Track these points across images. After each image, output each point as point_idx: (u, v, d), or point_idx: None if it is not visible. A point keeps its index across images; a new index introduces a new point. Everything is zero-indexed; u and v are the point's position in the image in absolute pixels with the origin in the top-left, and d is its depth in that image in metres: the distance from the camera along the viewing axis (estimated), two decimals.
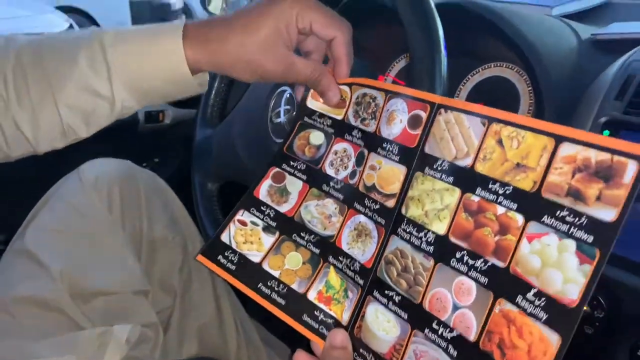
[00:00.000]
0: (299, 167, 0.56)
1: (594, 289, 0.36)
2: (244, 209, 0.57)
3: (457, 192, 0.44)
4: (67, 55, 0.51)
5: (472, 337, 0.41)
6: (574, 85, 0.67)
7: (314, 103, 0.57)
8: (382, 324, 0.46)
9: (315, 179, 0.55)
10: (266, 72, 0.51)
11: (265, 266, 0.53)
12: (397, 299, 0.45)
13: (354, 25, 0.98)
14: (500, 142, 0.43)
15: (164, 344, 0.74)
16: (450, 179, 0.45)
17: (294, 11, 0.50)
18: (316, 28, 0.52)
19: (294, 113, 0.64)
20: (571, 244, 0.38)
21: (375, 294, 0.47)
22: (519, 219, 0.40)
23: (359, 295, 0.48)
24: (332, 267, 0.51)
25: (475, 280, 0.41)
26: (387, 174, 0.50)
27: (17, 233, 0.72)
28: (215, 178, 0.77)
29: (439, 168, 0.46)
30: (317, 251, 0.52)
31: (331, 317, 0.49)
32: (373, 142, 0.52)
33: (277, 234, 0.54)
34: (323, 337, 0.48)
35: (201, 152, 0.79)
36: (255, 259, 0.54)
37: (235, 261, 0.54)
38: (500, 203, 0.42)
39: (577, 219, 0.38)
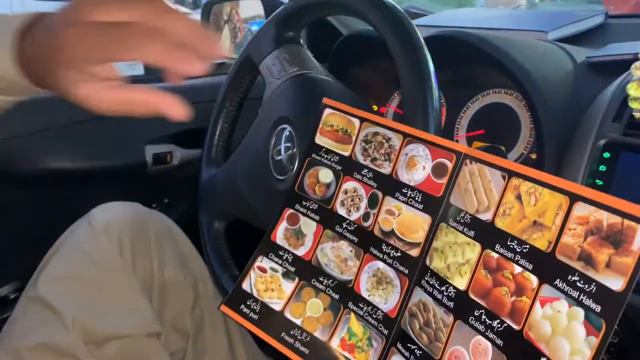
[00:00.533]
0: (311, 207, 0.57)
1: None
2: (262, 255, 0.57)
3: (478, 247, 0.45)
4: None
5: None
6: (572, 108, 0.68)
7: (322, 139, 0.58)
8: None
9: (328, 219, 0.55)
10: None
11: (287, 314, 0.53)
12: (418, 353, 0.46)
13: (351, 61, 1.00)
14: (519, 197, 0.43)
15: None
16: (472, 232, 0.45)
17: None
18: None
19: (295, 150, 0.65)
20: (580, 313, 0.38)
21: (399, 345, 0.47)
22: (534, 280, 0.41)
23: (383, 345, 0.48)
24: (352, 314, 0.51)
25: (492, 341, 0.42)
26: (409, 221, 0.50)
27: (30, 281, 0.73)
28: (222, 217, 0.78)
29: (462, 220, 0.46)
30: (336, 297, 0.52)
31: None
32: (389, 185, 0.52)
33: (297, 279, 0.55)
34: None
35: (207, 191, 0.80)
36: (277, 307, 0.54)
37: (257, 310, 0.54)
38: (517, 262, 0.42)
39: (587, 285, 0.38)
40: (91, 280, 0.72)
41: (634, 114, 0.37)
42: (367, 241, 0.52)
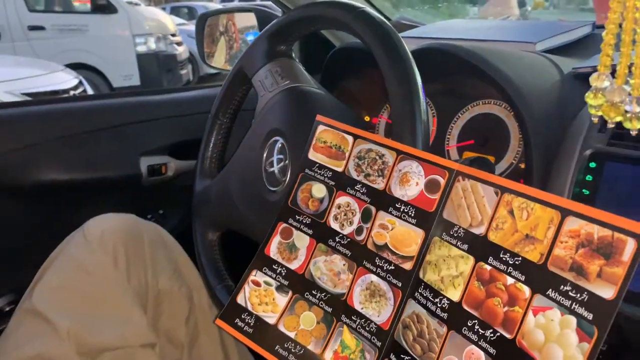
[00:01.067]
0: (304, 222, 0.57)
1: None
2: (256, 269, 0.58)
3: (471, 260, 0.46)
4: None
5: None
6: (559, 119, 0.69)
7: (315, 155, 0.59)
8: None
9: (321, 233, 0.56)
10: None
11: (281, 327, 0.54)
12: None
13: (343, 73, 1.01)
14: (511, 212, 0.45)
15: None
16: (465, 246, 0.46)
17: None
18: None
19: (287, 162, 0.66)
20: (572, 321, 0.39)
21: (392, 357, 0.48)
22: (526, 290, 0.42)
23: (376, 356, 0.49)
24: (345, 327, 0.52)
25: (485, 350, 0.42)
26: (402, 235, 0.51)
27: (25, 293, 0.73)
28: (215, 227, 0.78)
29: (455, 234, 0.47)
30: (329, 310, 0.53)
31: None
32: (382, 200, 0.53)
33: (290, 293, 0.55)
34: None
35: (201, 202, 0.81)
36: (271, 320, 0.55)
37: (252, 324, 0.55)
38: (509, 274, 0.43)
39: (579, 294, 0.39)
40: (86, 292, 0.73)
41: (592, 119, 0.39)
42: (360, 255, 0.53)
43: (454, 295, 0.45)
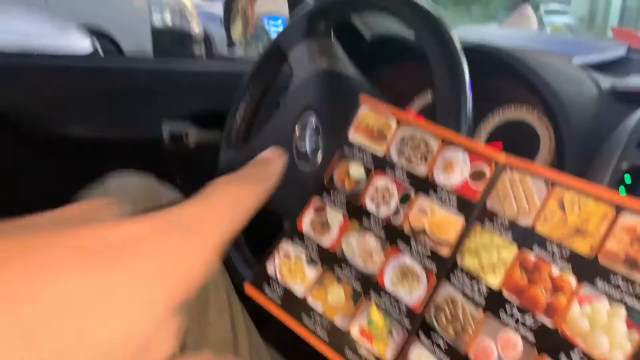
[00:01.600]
0: (339, 200, 0.57)
1: None
2: (288, 240, 0.58)
3: (515, 248, 0.45)
4: None
5: None
6: (595, 133, 0.69)
7: (355, 136, 0.59)
8: None
9: (356, 213, 0.55)
10: None
11: (310, 300, 0.54)
12: (443, 346, 0.46)
13: (378, 62, 1.01)
14: (562, 206, 0.44)
15: None
16: (509, 235, 0.46)
17: None
18: None
19: (320, 141, 0.65)
20: (622, 311, 0.39)
21: (422, 338, 0.48)
22: (573, 281, 0.41)
23: (404, 336, 0.49)
24: (374, 305, 0.51)
25: (522, 336, 0.42)
26: (441, 221, 0.50)
27: None
28: None
29: (499, 224, 0.47)
30: (358, 287, 0.53)
31: (374, 353, 0.49)
32: (424, 186, 0.52)
33: (320, 268, 0.55)
34: None
35: (225, 173, 0.80)
36: (300, 293, 0.54)
37: (280, 294, 0.55)
38: (556, 264, 0.43)
39: (630, 286, 0.39)
40: None
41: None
42: (395, 237, 0.52)
43: (494, 281, 0.45)
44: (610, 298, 0.39)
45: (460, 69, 0.56)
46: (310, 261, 0.56)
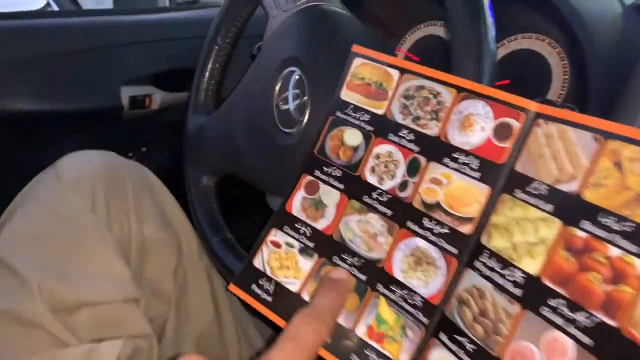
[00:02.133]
0: (334, 174, 0.47)
1: None
2: (276, 228, 0.49)
3: (557, 224, 0.36)
4: None
5: None
6: (621, 58, 0.59)
7: (349, 94, 0.48)
8: None
9: (354, 188, 0.46)
10: None
11: (305, 296, 0.45)
12: (470, 347, 0.37)
13: None
14: (618, 164, 0.35)
15: (158, 355, 0.67)
16: (549, 206, 0.37)
17: None
18: None
19: (305, 97, 0.55)
20: None
21: (442, 337, 0.39)
22: (639, 265, 0.32)
23: (422, 335, 0.40)
24: (382, 298, 0.43)
25: (575, 338, 0.34)
26: (460, 192, 0.41)
27: None
28: (212, 172, 0.68)
29: (535, 192, 0.37)
30: (363, 277, 0.44)
31: (385, 357, 0.41)
32: (436, 149, 0.43)
33: (316, 256, 0.46)
34: None
35: (194, 142, 0.70)
36: (294, 287, 0.46)
37: (271, 291, 0.46)
38: (614, 243, 0.33)
39: None
40: (60, 240, 0.63)
41: None
42: (404, 214, 0.43)
43: (531, 266, 0.36)
44: None
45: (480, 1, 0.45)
46: (304, 250, 0.47)
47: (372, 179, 0.45)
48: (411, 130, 0.44)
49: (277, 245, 0.48)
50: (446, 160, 0.42)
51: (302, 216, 0.48)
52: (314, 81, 0.55)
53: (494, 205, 0.39)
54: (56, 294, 0.58)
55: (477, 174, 0.40)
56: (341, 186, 0.47)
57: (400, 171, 0.44)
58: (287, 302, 0.45)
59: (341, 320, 0.43)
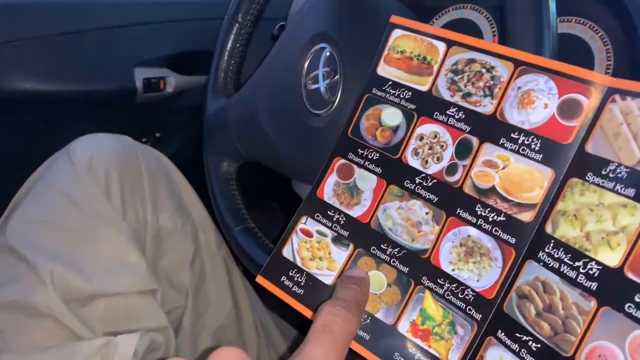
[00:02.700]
0: (370, 157, 0.44)
1: None
2: (307, 216, 0.45)
3: None
4: None
5: None
6: None
7: (387, 69, 0.44)
8: None
9: (395, 172, 0.42)
10: None
11: None
12: (534, 346, 0.34)
13: None
14: None
15: (175, 349, 0.64)
16: (631, 191, 0.33)
17: None
18: None
19: (337, 76, 0.51)
20: None
21: (501, 335, 0.36)
22: None
23: (474, 333, 0.37)
24: (427, 292, 0.39)
25: None
26: (519, 176, 0.37)
27: None
28: (233, 157, 0.64)
29: (612, 175, 0.34)
30: (405, 269, 0.40)
31: (432, 356, 0.38)
32: (490, 129, 0.39)
33: (351, 246, 0.43)
34: None
35: (214, 126, 0.66)
36: (327, 280, 0.42)
37: (302, 283, 0.43)
38: None
39: None
40: (73, 228, 0.60)
41: None
42: (453, 201, 0.39)
43: (611, 258, 0.33)
44: None
45: None
46: (338, 239, 0.43)
47: (414, 162, 0.41)
48: (460, 108, 0.40)
49: (308, 234, 0.44)
50: (503, 140, 0.38)
51: (335, 203, 0.44)
52: (347, 57, 0.51)
53: (560, 191, 0.36)
54: (69, 283, 0.56)
55: (538, 156, 0.37)
56: (379, 170, 0.43)
57: (448, 153, 0.40)
58: (320, 296, 0.42)
59: (380, 316, 0.40)
